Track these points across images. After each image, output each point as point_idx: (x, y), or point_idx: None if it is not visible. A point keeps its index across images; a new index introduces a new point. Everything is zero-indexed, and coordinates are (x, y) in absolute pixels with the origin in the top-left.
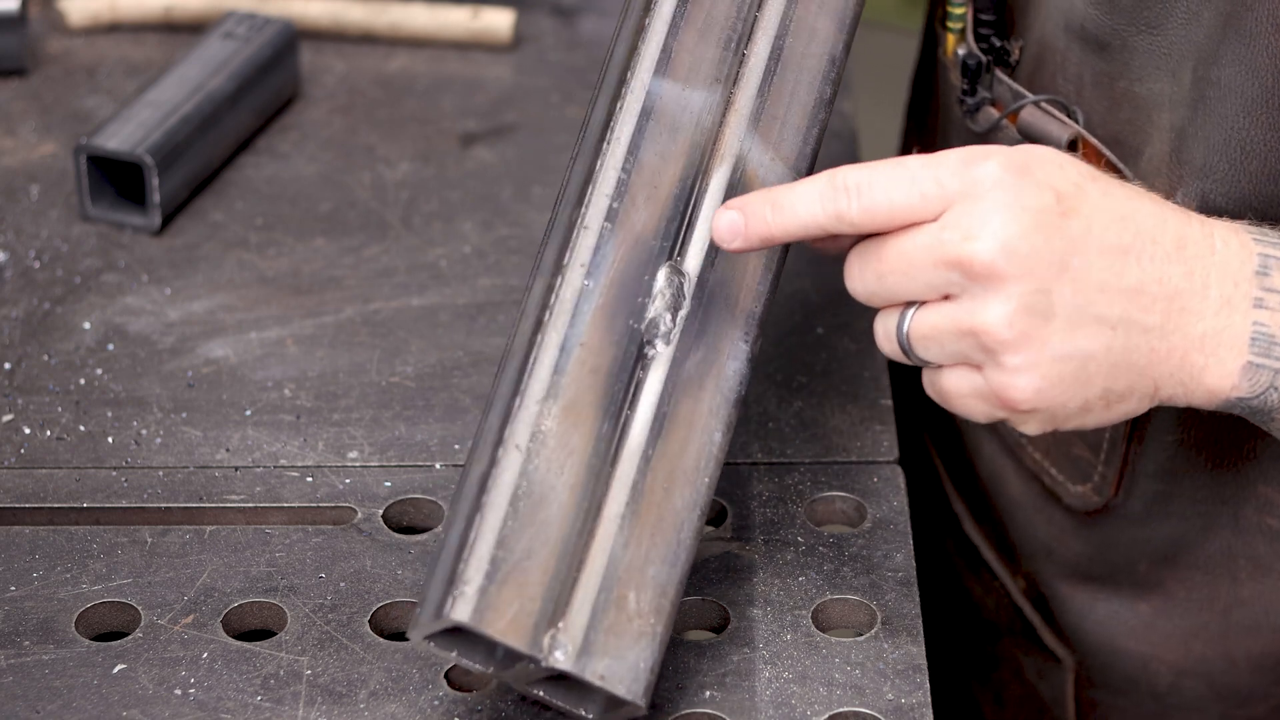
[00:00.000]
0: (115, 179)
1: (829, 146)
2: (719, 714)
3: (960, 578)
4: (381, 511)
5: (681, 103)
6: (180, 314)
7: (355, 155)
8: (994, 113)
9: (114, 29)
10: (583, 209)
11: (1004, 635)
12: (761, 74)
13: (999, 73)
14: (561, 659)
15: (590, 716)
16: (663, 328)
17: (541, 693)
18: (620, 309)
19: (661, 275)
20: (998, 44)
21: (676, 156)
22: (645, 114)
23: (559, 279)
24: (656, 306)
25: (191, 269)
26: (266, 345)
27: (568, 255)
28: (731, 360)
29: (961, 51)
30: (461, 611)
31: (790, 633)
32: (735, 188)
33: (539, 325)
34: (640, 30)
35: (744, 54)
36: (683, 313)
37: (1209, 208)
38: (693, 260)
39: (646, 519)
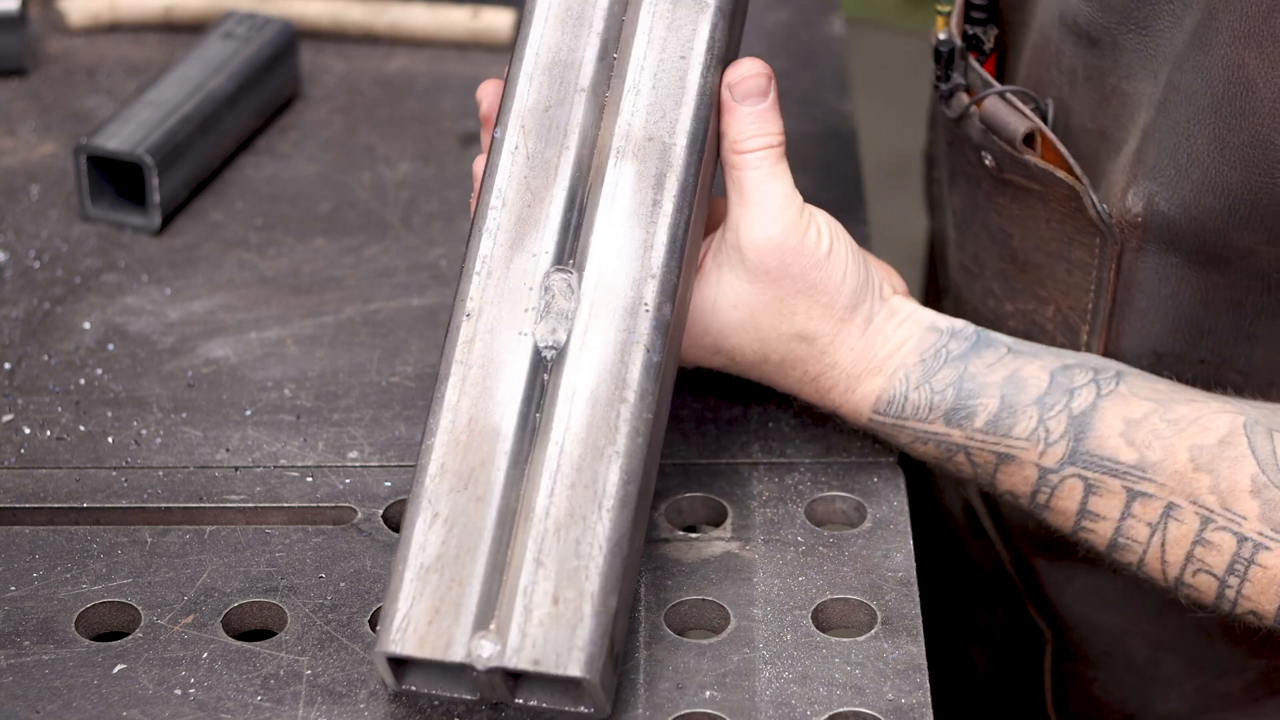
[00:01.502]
0: (115, 179)
1: (829, 146)
2: (719, 714)
3: (968, 541)
4: (381, 511)
5: (547, 123)
6: (180, 314)
7: (355, 155)
8: (965, 99)
9: (114, 29)
10: (467, 251)
11: (999, 602)
12: (628, 67)
13: (972, 60)
14: (487, 656)
15: (590, 709)
16: (555, 328)
17: (536, 701)
18: (507, 328)
19: (548, 283)
20: (969, 31)
21: (552, 161)
22: (511, 150)
23: (450, 322)
24: (545, 311)
25: (191, 269)
26: (266, 345)
27: (455, 298)
28: (631, 336)
29: (943, 36)
30: (384, 642)
31: (790, 633)
32: (615, 176)
33: (441, 367)
34: (509, 74)
35: (613, 56)
36: (572, 305)
37: (1154, 210)
38: (583, 256)
39: (564, 503)
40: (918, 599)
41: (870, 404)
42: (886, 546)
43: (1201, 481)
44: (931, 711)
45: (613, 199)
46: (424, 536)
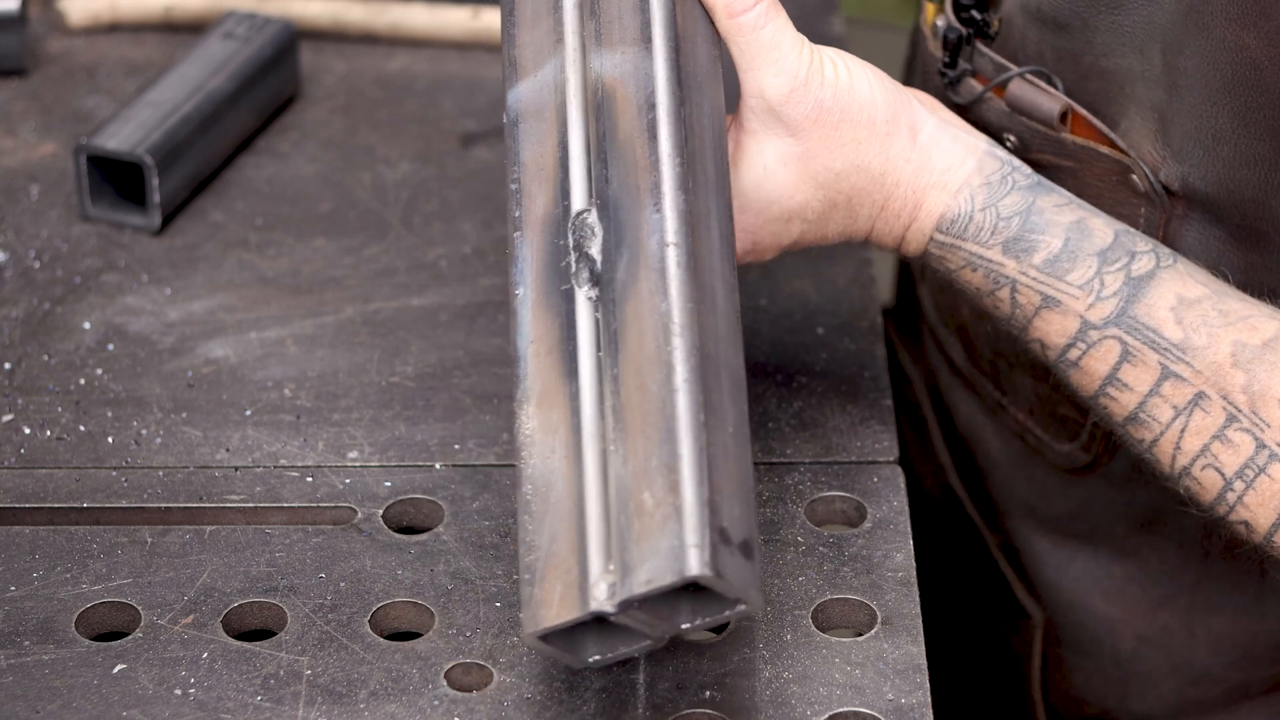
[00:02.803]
0: (115, 179)
1: None
2: (719, 714)
3: (946, 528)
4: (381, 511)
5: (536, 88)
6: (180, 314)
7: (355, 155)
8: (976, 85)
9: (114, 29)
10: (508, 235)
11: (982, 587)
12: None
13: (980, 45)
14: (605, 595)
15: (744, 606)
16: (589, 270)
17: (699, 620)
18: (550, 287)
19: (575, 228)
20: (978, 17)
21: (550, 131)
22: (514, 124)
23: (510, 307)
24: (580, 257)
25: (191, 269)
26: (266, 345)
27: (509, 281)
28: (651, 236)
29: (941, 23)
30: (526, 625)
31: (790, 633)
32: (603, 106)
33: (511, 351)
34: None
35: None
36: (598, 242)
37: (1191, 189)
38: (582, 192)
39: (634, 425)
40: (918, 599)
41: (934, 221)
42: (886, 546)
43: (1236, 379)
44: (931, 712)
45: (611, 120)
46: (530, 515)
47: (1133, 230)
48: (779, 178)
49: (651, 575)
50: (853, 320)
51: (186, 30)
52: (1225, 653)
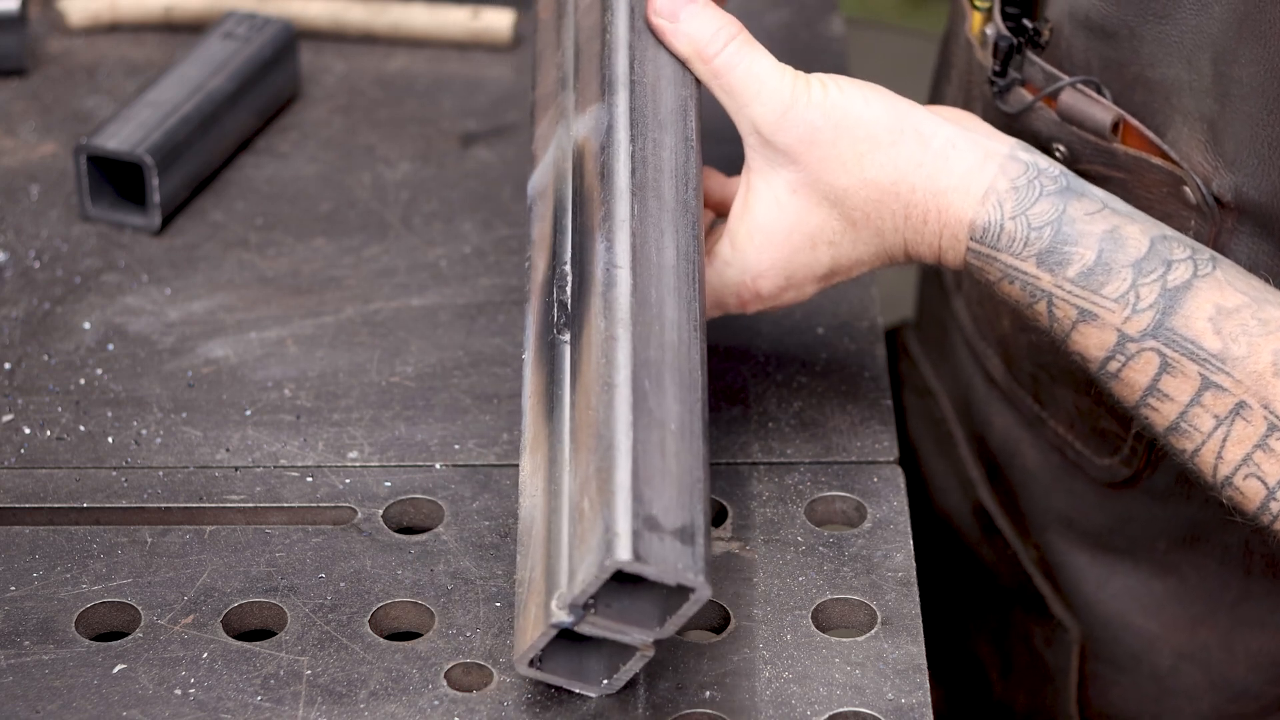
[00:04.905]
0: (115, 179)
1: None
2: (719, 714)
3: (976, 542)
4: (381, 511)
5: (542, 171)
6: (180, 314)
7: (355, 155)
8: (1026, 94)
9: (114, 29)
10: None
11: (1015, 602)
12: (574, 74)
13: (1030, 54)
14: (558, 605)
15: (693, 580)
16: (565, 316)
17: (669, 616)
18: (543, 343)
19: (555, 285)
20: (1029, 25)
21: (548, 205)
22: (530, 209)
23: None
24: (558, 309)
25: (191, 269)
26: (266, 345)
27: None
28: (598, 265)
29: (990, 31)
30: (514, 657)
31: (790, 633)
32: (577, 165)
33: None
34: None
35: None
36: (569, 287)
37: (1244, 199)
38: (566, 249)
39: (581, 441)
40: (918, 599)
41: (966, 228)
42: (886, 546)
43: (1278, 388)
44: (931, 712)
45: (581, 174)
46: (520, 548)
47: (1170, 234)
48: (792, 206)
49: (585, 573)
50: (853, 320)
51: (186, 30)
52: (1265, 669)
